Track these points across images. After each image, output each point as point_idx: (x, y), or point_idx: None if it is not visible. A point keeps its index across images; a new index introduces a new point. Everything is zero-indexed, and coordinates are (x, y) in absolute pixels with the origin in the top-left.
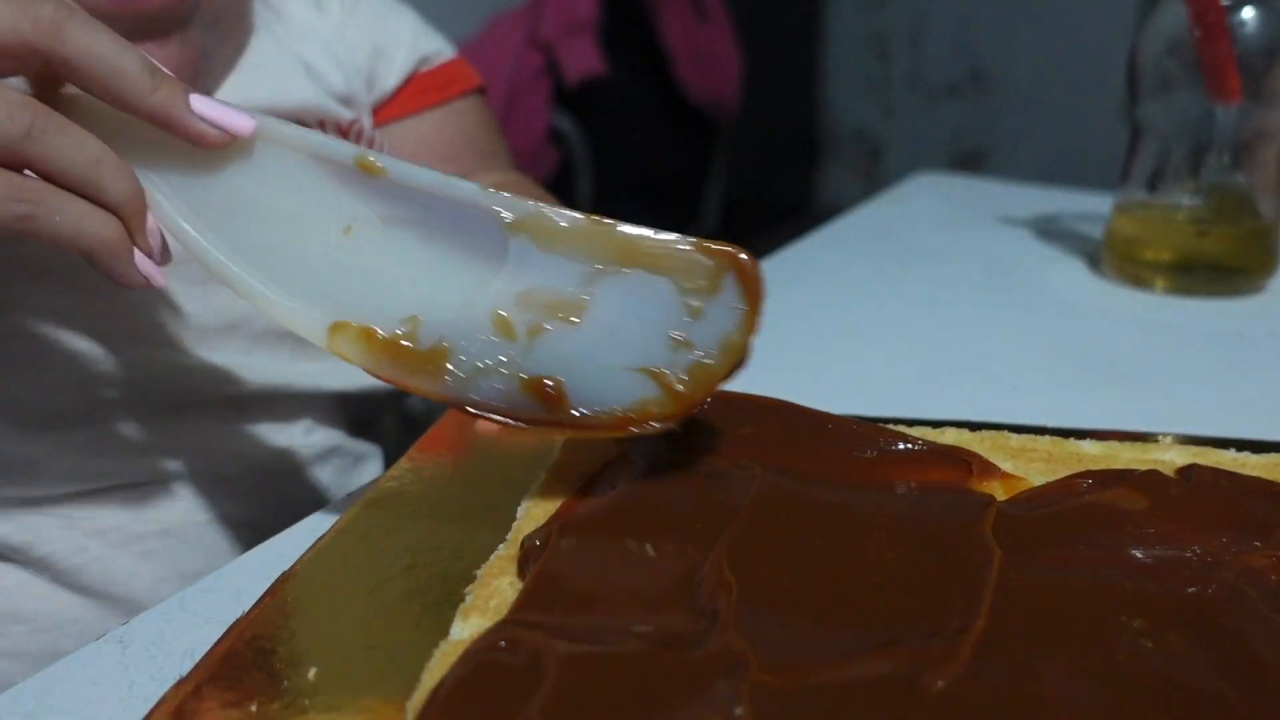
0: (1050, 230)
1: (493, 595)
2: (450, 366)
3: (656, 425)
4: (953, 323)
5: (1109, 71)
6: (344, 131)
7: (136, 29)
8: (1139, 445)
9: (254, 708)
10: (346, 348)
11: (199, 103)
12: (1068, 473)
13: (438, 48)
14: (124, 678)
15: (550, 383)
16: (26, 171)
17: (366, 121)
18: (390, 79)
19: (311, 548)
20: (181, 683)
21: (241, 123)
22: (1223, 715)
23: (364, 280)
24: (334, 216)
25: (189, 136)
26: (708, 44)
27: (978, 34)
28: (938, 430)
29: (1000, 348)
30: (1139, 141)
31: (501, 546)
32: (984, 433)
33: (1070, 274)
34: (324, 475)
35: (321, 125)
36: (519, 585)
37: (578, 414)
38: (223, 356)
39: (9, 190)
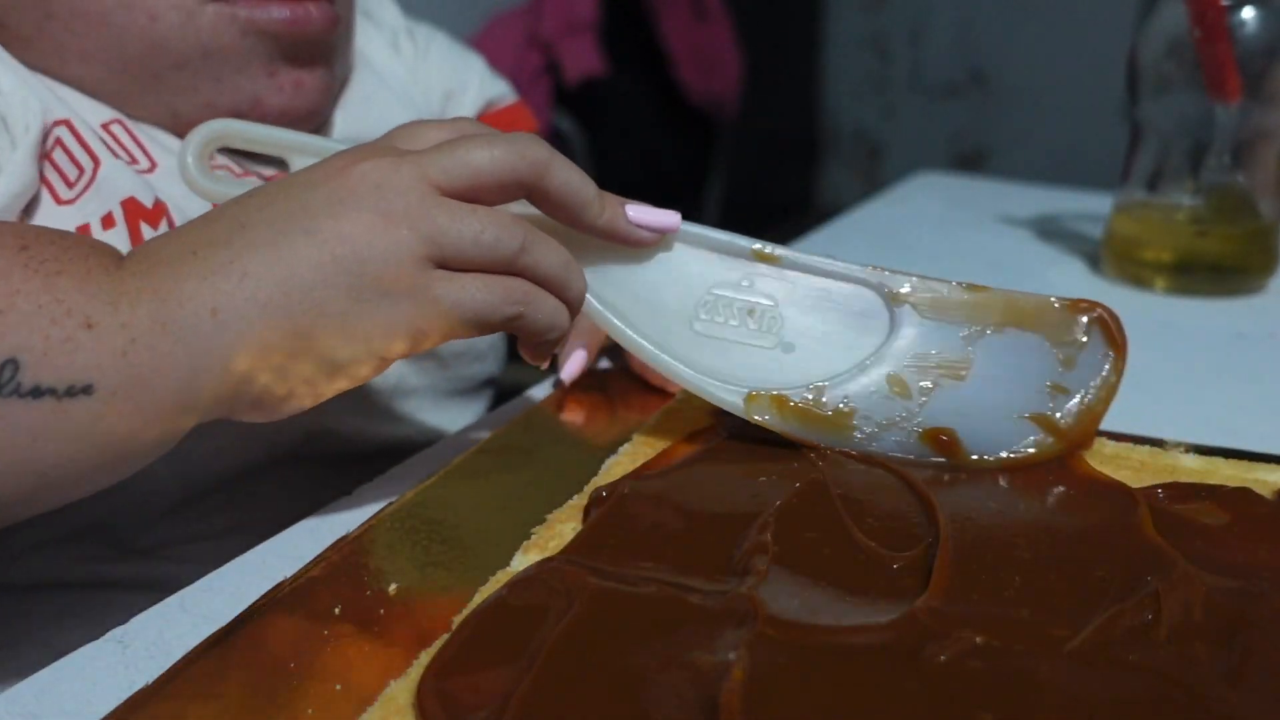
0: (1050, 230)
1: (554, 537)
2: (856, 423)
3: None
4: None
5: (1109, 71)
6: None
7: (293, 53)
8: (1241, 463)
9: (337, 610)
10: (762, 414)
11: (634, 211)
12: (1155, 482)
13: (502, 92)
14: (124, 678)
15: (944, 434)
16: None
17: None
18: None
19: (423, 482)
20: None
21: (669, 221)
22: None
23: (771, 355)
24: (738, 301)
25: (630, 243)
26: (708, 44)
27: (978, 34)
28: None
29: None
30: (1139, 141)
31: (575, 496)
32: None
33: (1070, 274)
34: None
35: None
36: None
37: (974, 458)
38: (346, 415)
39: (510, 294)
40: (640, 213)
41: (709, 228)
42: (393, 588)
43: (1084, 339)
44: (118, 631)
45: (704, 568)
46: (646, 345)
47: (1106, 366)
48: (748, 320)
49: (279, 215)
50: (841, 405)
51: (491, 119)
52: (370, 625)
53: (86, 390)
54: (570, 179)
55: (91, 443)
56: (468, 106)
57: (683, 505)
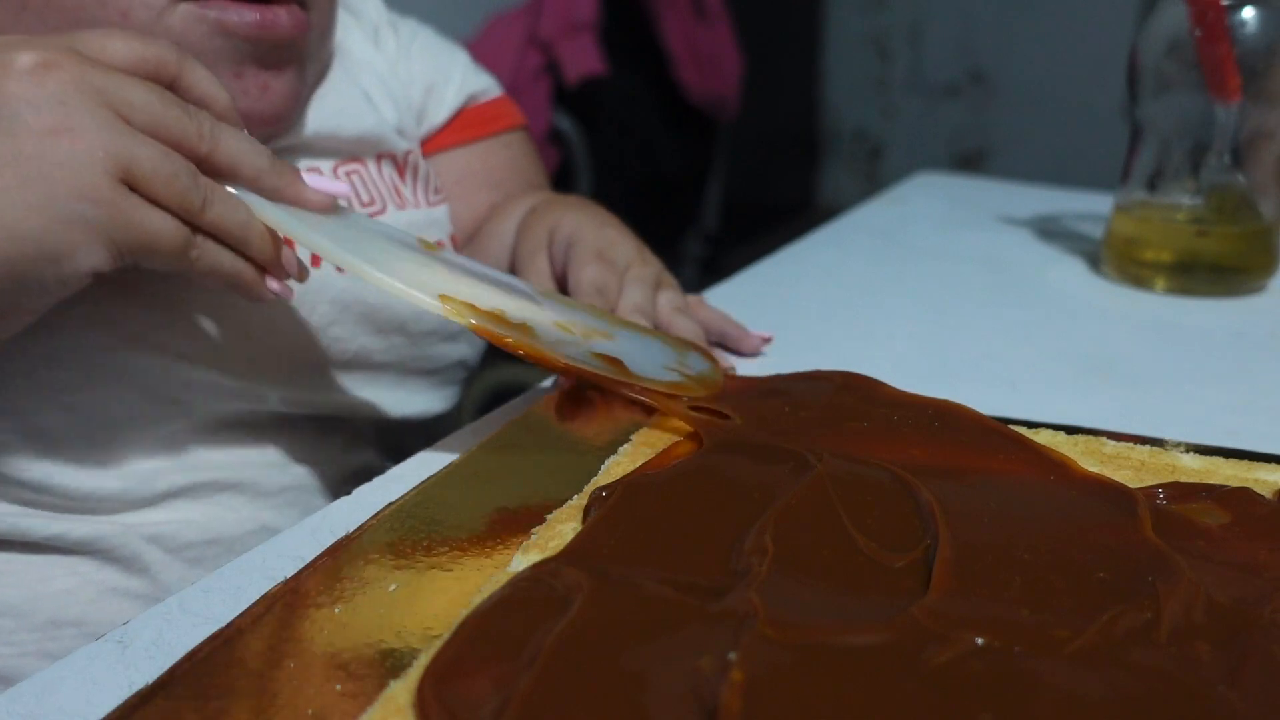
0: (1050, 230)
1: (554, 537)
2: (538, 334)
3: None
4: (953, 323)
5: (1109, 71)
6: (399, 165)
7: (262, 56)
8: (1242, 463)
9: (337, 610)
10: (457, 311)
11: (311, 179)
12: (1155, 482)
13: (485, 86)
14: (124, 678)
15: (613, 358)
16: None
17: (417, 155)
18: (440, 114)
19: (423, 482)
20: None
21: (339, 188)
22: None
23: (452, 289)
24: (415, 256)
25: (307, 206)
26: (708, 44)
27: (978, 34)
28: (1032, 431)
29: (1000, 348)
30: (1139, 141)
31: (575, 496)
32: (1079, 437)
33: (1070, 274)
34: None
35: (378, 160)
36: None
37: (640, 377)
38: (299, 379)
39: (187, 244)
40: (315, 180)
41: (374, 220)
42: (392, 588)
43: (685, 352)
44: (118, 631)
45: (704, 568)
46: (355, 260)
47: (710, 365)
48: (425, 264)
49: None
50: (521, 322)
51: (475, 112)
52: (370, 626)
53: None
54: (239, 149)
55: None
56: (450, 99)
57: (682, 506)
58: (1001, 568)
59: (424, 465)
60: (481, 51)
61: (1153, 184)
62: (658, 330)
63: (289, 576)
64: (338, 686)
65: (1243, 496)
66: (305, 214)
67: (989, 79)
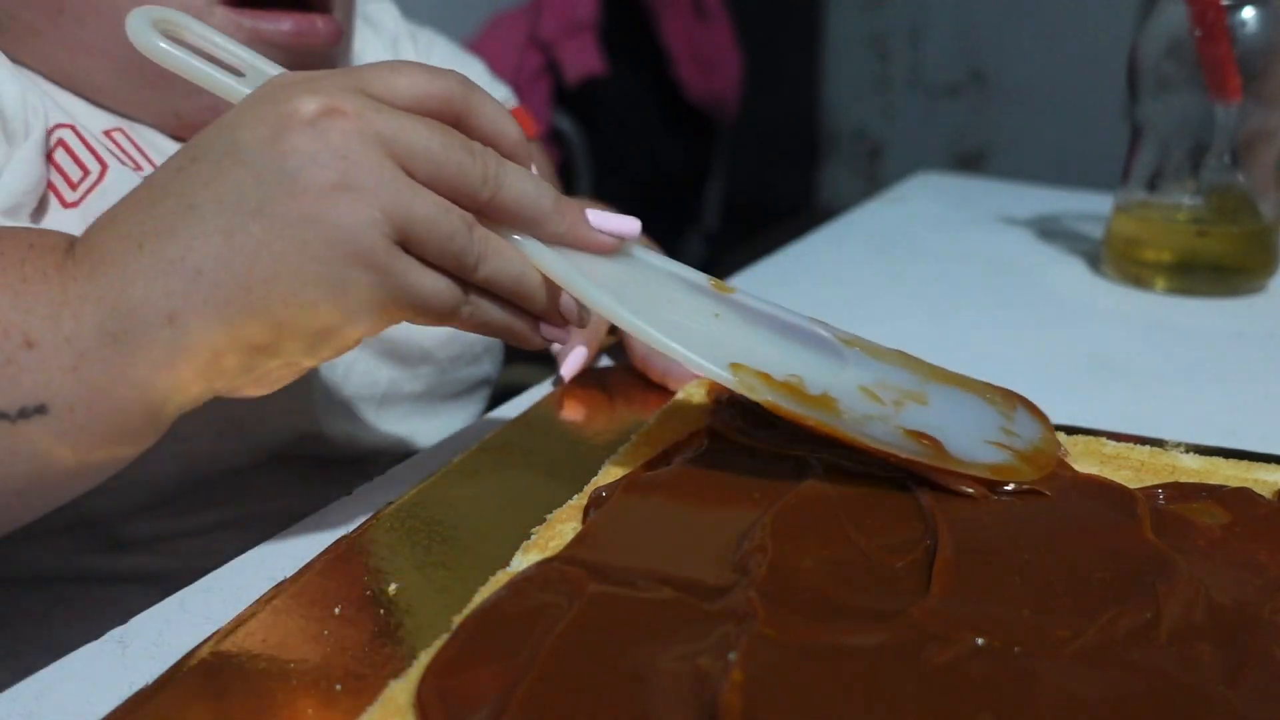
0: (1050, 230)
1: (554, 537)
2: (840, 410)
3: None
4: (953, 323)
5: (1109, 71)
6: None
7: (295, 64)
8: (1241, 463)
9: (338, 610)
10: (750, 381)
11: (595, 217)
12: (1155, 482)
13: (503, 96)
14: (124, 678)
15: (926, 435)
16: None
17: None
18: None
19: (423, 482)
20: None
21: (629, 226)
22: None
23: (743, 349)
24: (703, 305)
25: (591, 249)
26: (708, 44)
27: (978, 34)
28: None
29: (1000, 348)
30: (1139, 141)
31: (575, 496)
32: (1078, 437)
33: (1070, 274)
34: None
35: None
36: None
37: (959, 461)
38: (333, 422)
39: (459, 303)
40: (600, 219)
41: (668, 260)
42: (393, 588)
43: (1011, 409)
44: (117, 631)
45: (703, 568)
46: (633, 318)
47: (1037, 432)
48: (714, 320)
49: (229, 192)
50: (823, 394)
51: None
52: (370, 625)
53: (41, 410)
54: (525, 191)
55: (55, 459)
56: None
57: (682, 506)
58: (1001, 568)
59: (424, 465)
60: (482, 51)
61: (1153, 184)
62: (975, 381)
63: (289, 576)
64: (338, 686)
65: (1243, 496)
66: (587, 259)
67: (989, 79)
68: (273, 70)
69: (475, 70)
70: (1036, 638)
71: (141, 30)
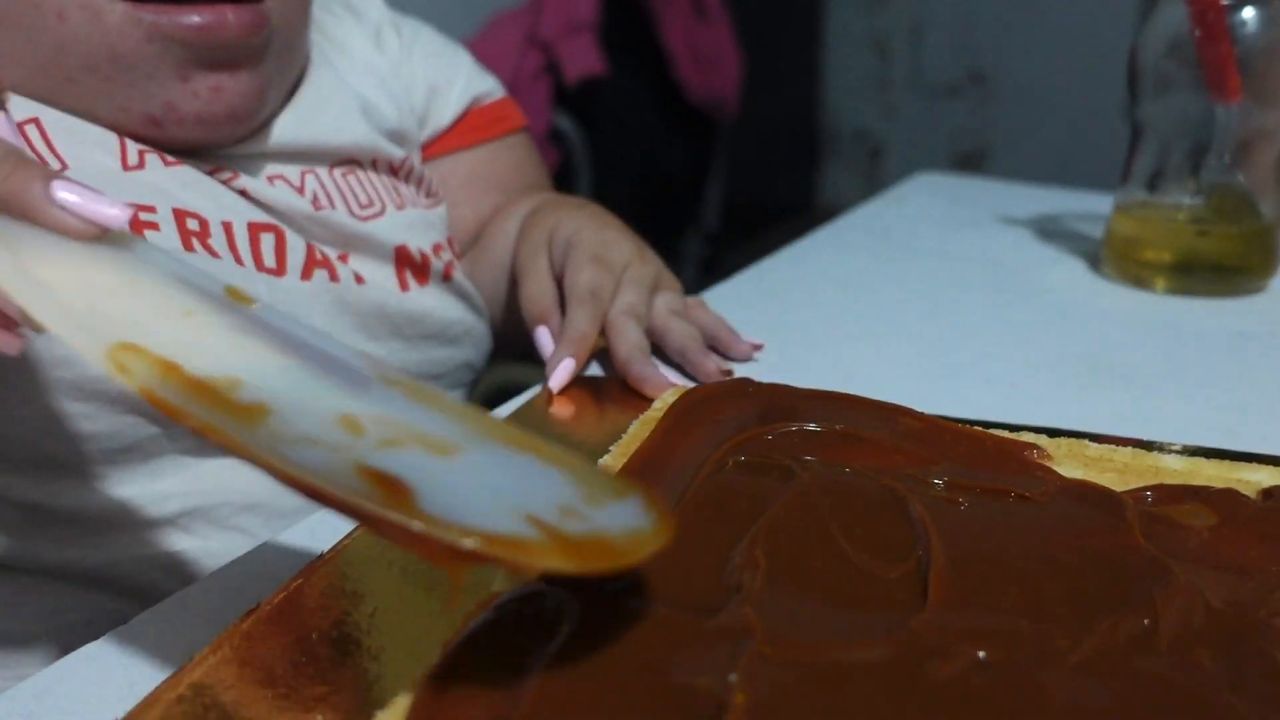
0: (1050, 230)
1: None
2: (270, 424)
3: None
4: (953, 323)
5: (1109, 71)
6: (395, 170)
7: (209, 58)
8: (1225, 463)
9: (314, 636)
10: (133, 362)
11: (64, 190)
12: (1140, 484)
13: (490, 88)
14: (124, 678)
15: (393, 481)
16: None
17: (416, 159)
18: (445, 116)
19: None
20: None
21: (113, 214)
22: None
23: (193, 345)
24: (177, 304)
25: (50, 226)
26: (708, 44)
27: (978, 34)
28: (1015, 434)
29: (1000, 348)
30: (1139, 141)
31: None
32: (1061, 440)
33: (1070, 274)
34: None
35: (374, 164)
36: None
37: (431, 516)
38: None
39: None
40: (75, 194)
41: (174, 257)
42: (372, 610)
43: (623, 497)
44: (117, 631)
45: (694, 584)
46: (51, 311)
47: (645, 523)
48: (180, 317)
49: None
50: (258, 402)
51: (480, 115)
52: (351, 649)
53: None
54: None
55: None
56: (455, 102)
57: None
58: (996, 578)
59: None
60: (482, 51)
61: (1153, 184)
62: (586, 464)
63: (266, 597)
64: (318, 718)
65: (1229, 498)
66: (53, 251)
67: (989, 79)
68: None
69: (463, 61)
70: (1037, 649)
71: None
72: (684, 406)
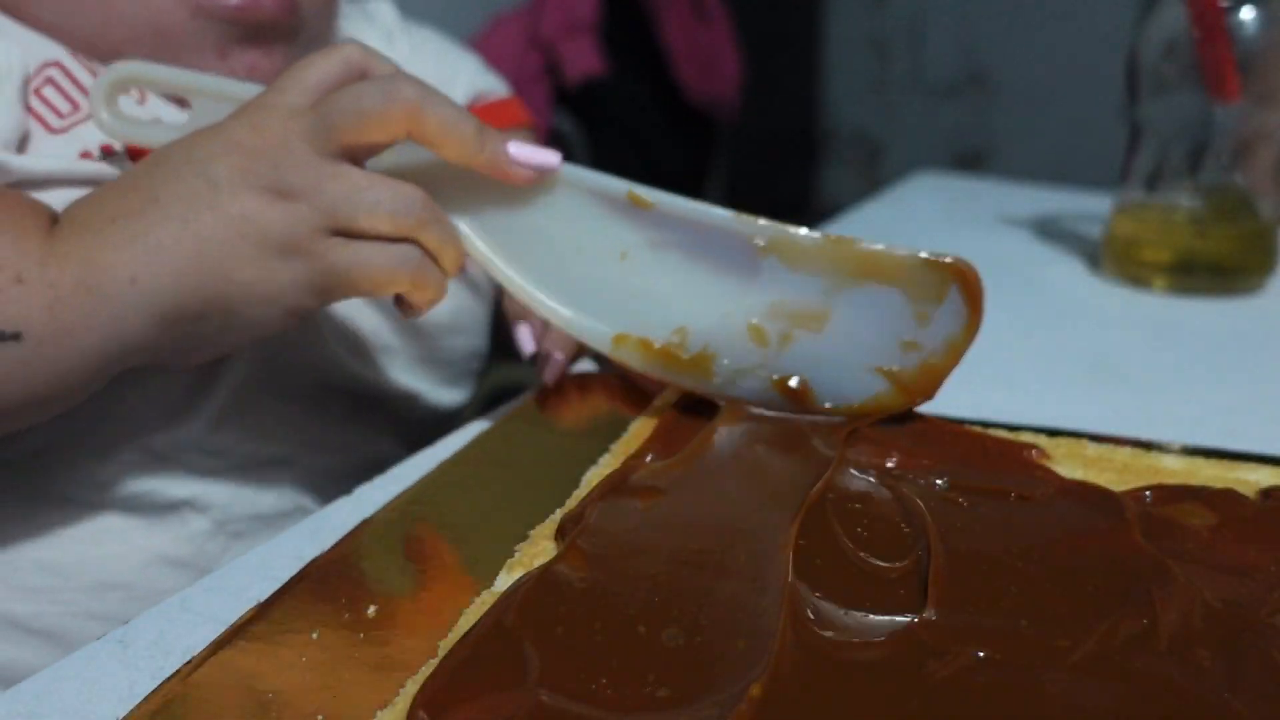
0: (1050, 230)
1: (539, 554)
2: (715, 368)
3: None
4: None
5: (1109, 71)
6: None
7: (246, 36)
8: (1224, 463)
9: (315, 635)
10: (627, 355)
11: (515, 149)
12: (1139, 484)
13: (494, 86)
14: (124, 677)
15: (795, 382)
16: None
17: None
18: None
19: (401, 494)
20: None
21: (550, 160)
22: None
23: (639, 297)
24: (611, 243)
25: (510, 179)
26: (708, 44)
27: (978, 34)
28: (1014, 434)
29: (1000, 347)
30: (1139, 141)
31: (557, 510)
32: (1060, 439)
33: (1070, 274)
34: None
35: None
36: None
37: (826, 406)
38: (327, 355)
39: (402, 265)
40: (521, 150)
41: (586, 169)
42: (371, 610)
43: (942, 296)
44: (118, 631)
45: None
46: (521, 282)
47: (958, 325)
48: (620, 263)
49: (186, 192)
50: (703, 349)
51: (482, 111)
52: (350, 652)
53: (15, 337)
54: (446, 115)
55: (20, 383)
56: (457, 96)
57: (667, 514)
58: (995, 577)
59: (423, 464)
60: (482, 52)
61: (1152, 184)
62: (907, 262)
63: (262, 599)
64: (319, 718)
65: (1228, 497)
66: (500, 200)
67: (989, 79)
68: (226, 89)
69: (468, 61)
70: (1036, 649)
71: (95, 110)
72: (683, 406)
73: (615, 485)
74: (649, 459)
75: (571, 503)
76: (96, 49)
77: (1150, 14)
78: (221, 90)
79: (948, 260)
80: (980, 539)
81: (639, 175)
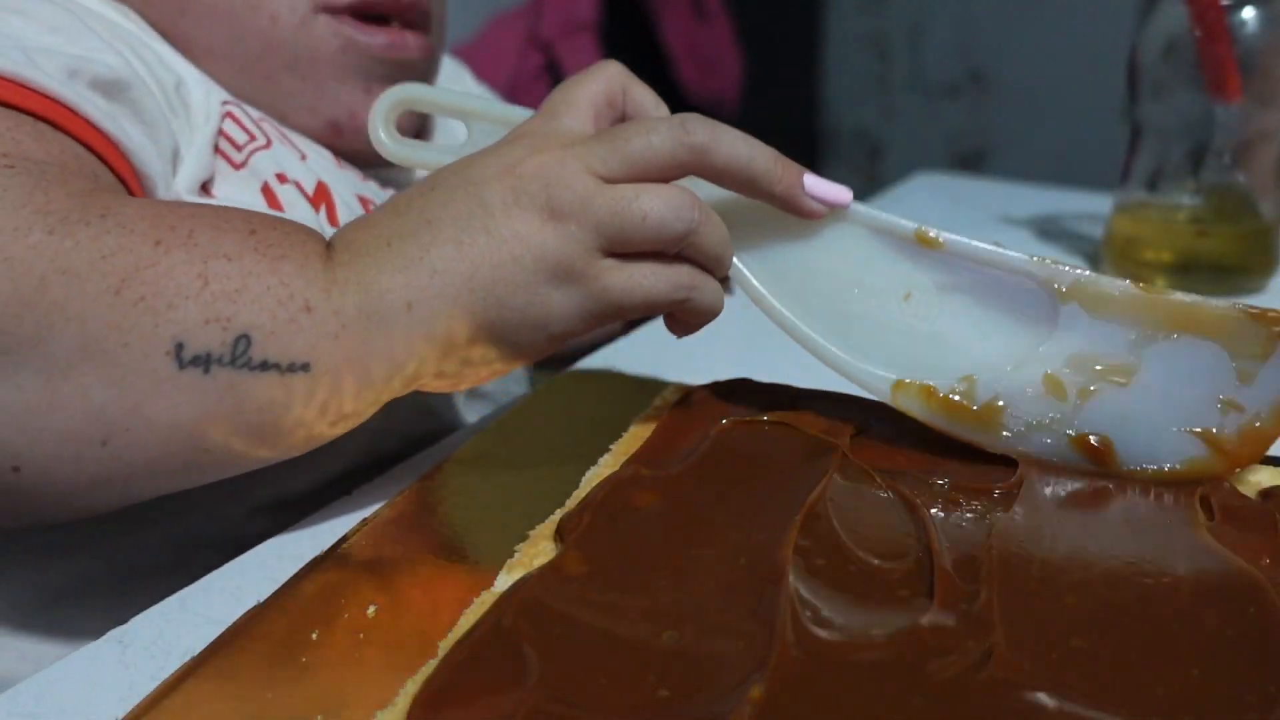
0: (1050, 230)
1: (539, 555)
2: (1004, 421)
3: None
4: None
5: (1109, 71)
6: None
7: (389, 75)
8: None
9: (315, 635)
10: (908, 402)
11: (811, 182)
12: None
13: (484, 94)
14: (124, 678)
15: (1096, 440)
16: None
17: None
18: None
19: (401, 494)
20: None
21: (842, 196)
22: (1235, 679)
23: (923, 342)
24: (895, 284)
25: (802, 213)
26: (708, 44)
27: (978, 34)
28: None
29: None
30: (1139, 141)
31: (558, 511)
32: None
33: None
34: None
35: None
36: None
37: (1127, 469)
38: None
39: (677, 281)
40: (815, 183)
41: (871, 208)
42: (371, 610)
43: (1268, 353)
44: (117, 631)
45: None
46: (794, 320)
47: None
48: (902, 305)
49: (461, 214)
50: (991, 401)
51: None
52: (351, 652)
53: (305, 368)
54: (737, 153)
55: (296, 418)
56: None
57: (669, 515)
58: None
59: (423, 465)
60: (482, 52)
61: (1152, 184)
62: (1234, 315)
63: (261, 601)
64: (318, 718)
65: (1228, 497)
66: (782, 233)
67: (989, 79)
68: (501, 112)
69: (462, 76)
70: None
71: (374, 131)
72: (684, 406)
73: (615, 485)
74: (649, 459)
75: (571, 503)
76: (251, 77)
77: (1150, 14)
78: (496, 113)
79: (1272, 314)
80: (977, 538)
81: None
